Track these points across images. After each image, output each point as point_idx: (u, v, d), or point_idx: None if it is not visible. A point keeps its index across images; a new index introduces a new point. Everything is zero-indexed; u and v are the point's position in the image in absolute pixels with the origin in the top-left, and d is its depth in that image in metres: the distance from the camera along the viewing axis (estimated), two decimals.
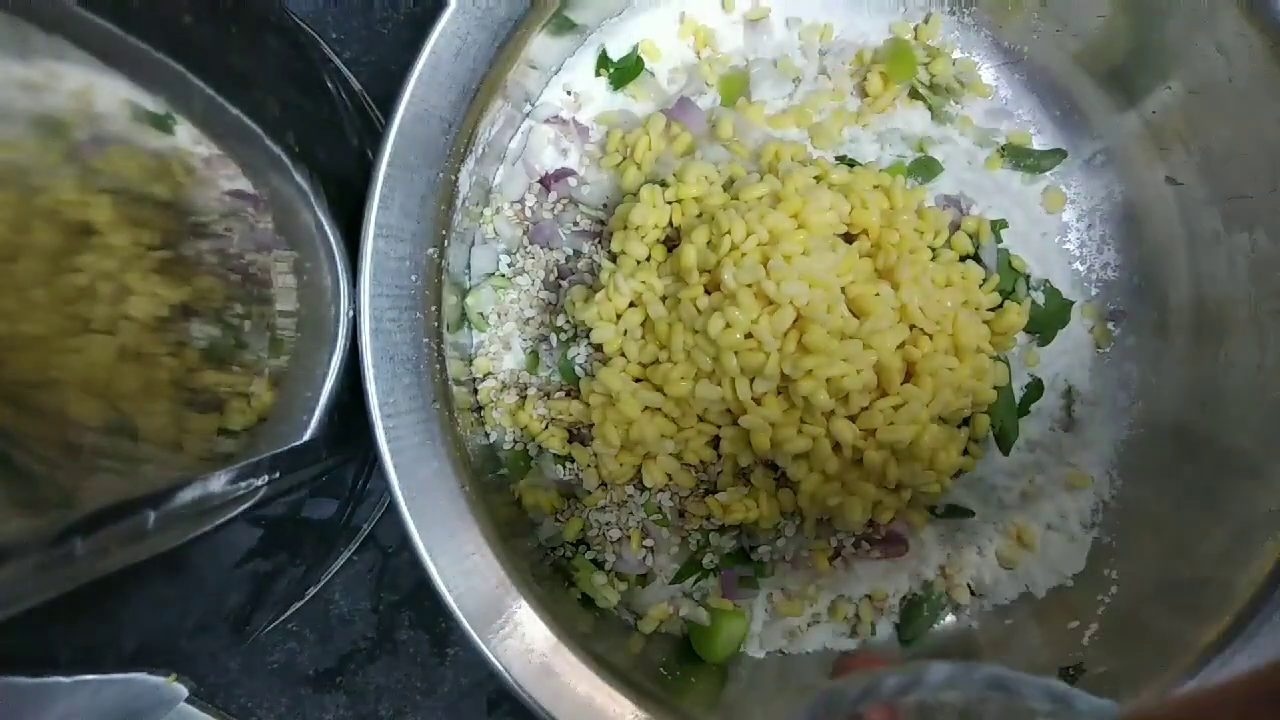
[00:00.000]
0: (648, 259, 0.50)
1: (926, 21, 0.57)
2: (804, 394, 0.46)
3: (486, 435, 0.55)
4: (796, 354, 0.47)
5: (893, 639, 0.57)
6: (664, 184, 0.51)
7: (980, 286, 0.53)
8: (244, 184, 0.41)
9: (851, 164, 0.55)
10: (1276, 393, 0.49)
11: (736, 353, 0.46)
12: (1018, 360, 0.56)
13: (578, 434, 0.53)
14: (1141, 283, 0.57)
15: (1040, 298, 0.56)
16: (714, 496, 0.52)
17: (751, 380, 0.47)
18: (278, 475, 0.44)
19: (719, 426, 0.50)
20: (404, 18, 0.65)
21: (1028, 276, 0.56)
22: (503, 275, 0.55)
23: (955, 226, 0.54)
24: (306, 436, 0.46)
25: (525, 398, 0.54)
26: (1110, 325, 0.57)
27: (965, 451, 0.53)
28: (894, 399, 0.48)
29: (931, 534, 0.56)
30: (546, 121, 0.55)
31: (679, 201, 0.50)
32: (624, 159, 0.54)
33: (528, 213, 0.55)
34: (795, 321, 0.46)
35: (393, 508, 0.44)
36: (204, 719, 0.53)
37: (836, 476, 0.49)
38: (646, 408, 0.49)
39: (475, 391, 0.55)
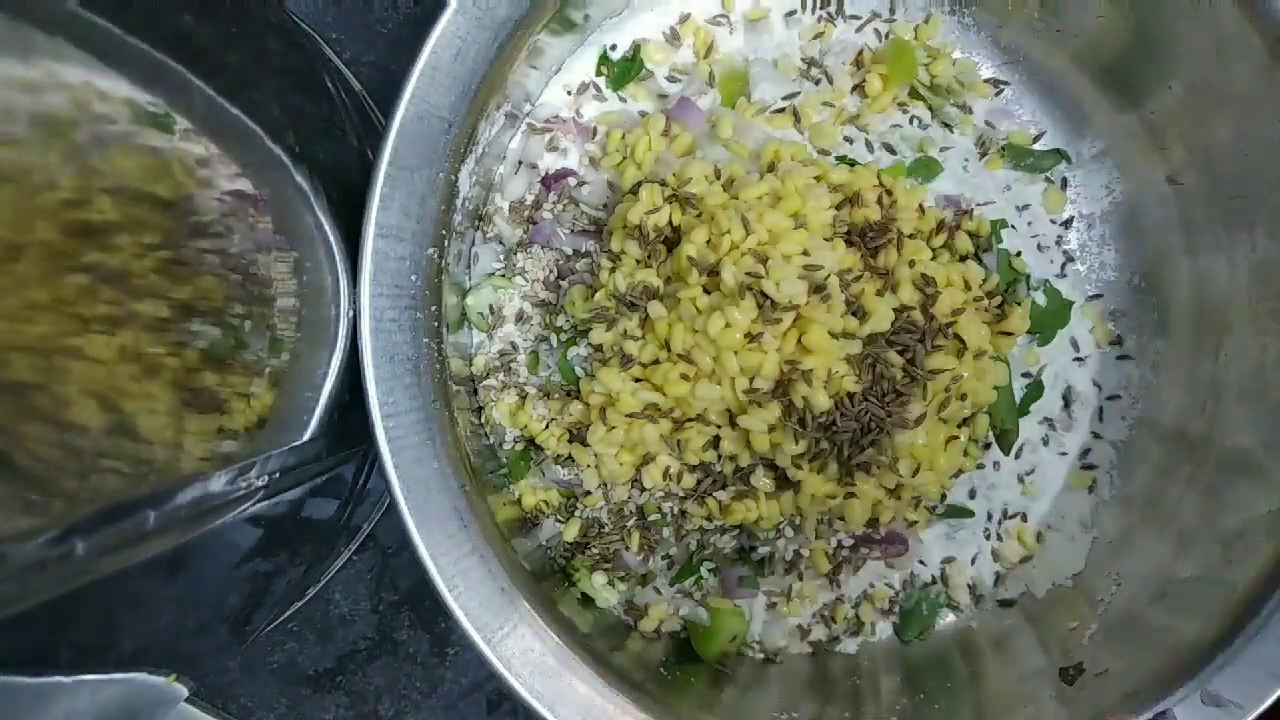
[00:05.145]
0: (648, 259, 0.50)
1: (926, 21, 0.57)
2: (803, 394, 0.46)
3: (486, 435, 0.55)
4: (796, 354, 0.47)
5: (893, 639, 0.57)
6: (664, 184, 0.51)
7: (980, 286, 0.53)
8: (244, 184, 0.41)
9: (851, 164, 0.55)
10: (1276, 393, 0.49)
11: (736, 353, 0.46)
12: (1018, 360, 0.56)
13: (578, 434, 0.53)
14: (1141, 283, 0.57)
15: (1040, 298, 0.57)
16: (714, 496, 0.52)
17: (751, 380, 0.47)
18: (278, 475, 0.44)
19: (719, 426, 0.50)
20: (404, 18, 0.65)
21: (1028, 276, 0.56)
22: (503, 275, 0.55)
23: (955, 226, 0.54)
24: (306, 436, 0.46)
25: (525, 398, 0.54)
26: (1110, 325, 0.58)
27: (965, 452, 0.53)
28: (894, 399, 0.48)
29: (931, 534, 0.56)
30: (546, 121, 0.55)
31: (679, 201, 0.50)
32: (624, 159, 0.54)
33: (527, 213, 0.55)
34: (795, 321, 0.46)
35: (393, 508, 0.44)
36: (204, 719, 0.53)
37: (836, 477, 0.49)
38: (646, 407, 0.49)
39: (475, 391, 0.55)
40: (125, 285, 0.34)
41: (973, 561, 0.57)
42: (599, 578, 0.54)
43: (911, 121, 0.57)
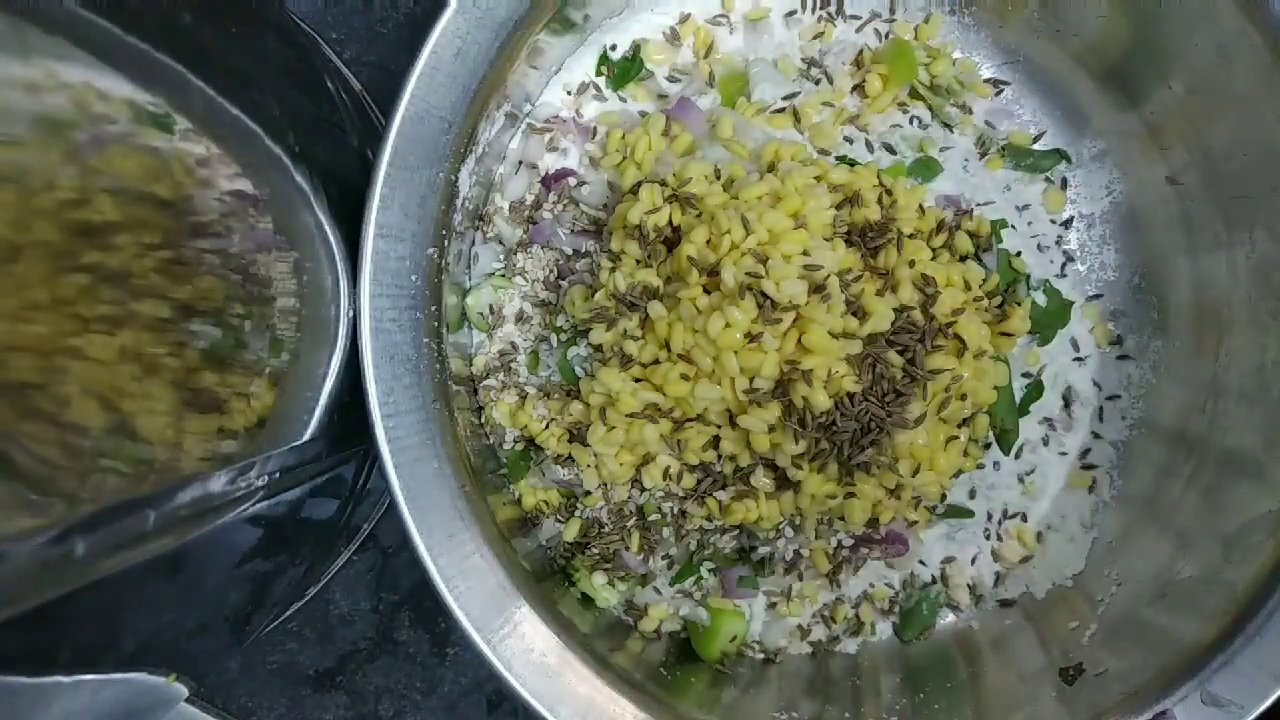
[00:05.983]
0: (648, 259, 0.50)
1: (926, 21, 0.57)
2: (803, 394, 0.46)
3: (486, 435, 0.55)
4: (796, 354, 0.47)
5: (893, 639, 0.57)
6: (664, 184, 0.51)
7: (980, 286, 0.53)
8: (244, 184, 0.41)
9: (851, 164, 0.55)
10: (1276, 393, 0.49)
11: (736, 353, 0.46)
12: (1018, 360, 0.56)
13: (578, 434, 0.53)
14: (1141, 283, 0.57)
15: (1040, 298, 0.57)
16: (714, 496, 0.52)
17: (751, 380, 0.47)
18: (278, 475, 0.44)
19: (719, 426, 0.50)
20: (404, 18, 0.65)
21: (1028, 276, 0.56)
22: (503, 275, 0.55)
23: (955, 226, 0.54)
24: (306, 436, 0.46)
25: (525, 398, 0.54)
26: (1110, 325, 0.58)
27: (965, 452, 0.53)
28: (894, 399, 0.48)
29: (931, 534, 0.56)
30: (546, 121, 0.55)
31: (679, 201, 0.50)
32: (624, 159, 0.54)
33: (527, 213, 0.55)
34: (795, 321, 0.46)
35: (393, 508, 0.44)
36: (204, 719, 0.53)
37: (836, 477, 0.49)
38: (646, 407, 0.49)
39: (475, 391, 0.55)
40: (125, 285, 0.34)
41: (973, 561, 0.57)
42: (599, 578, 0.54)
43: (911, 121, 0.57)
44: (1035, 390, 0.57)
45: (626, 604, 0.56)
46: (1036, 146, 0.57)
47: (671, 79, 0.57)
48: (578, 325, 0.53)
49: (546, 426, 0.53)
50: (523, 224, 0.55)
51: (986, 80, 0.57)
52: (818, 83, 0.57)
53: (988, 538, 0.57)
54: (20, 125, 0.29)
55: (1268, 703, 0.45)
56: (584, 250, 0.54)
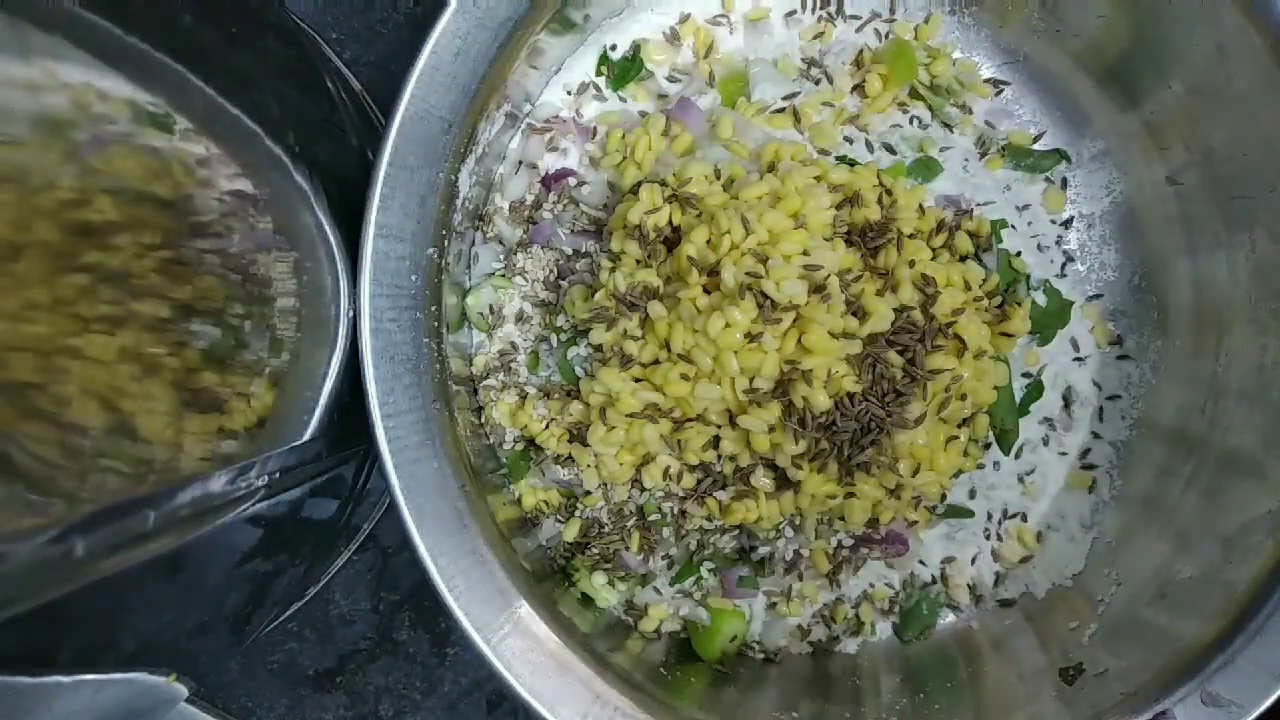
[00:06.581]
0: (648, 259, 0.50)
1: (926, 21, 0.57)
2: (803, 394, 0.46)
3: (486, 435, 0.55)
4: (796, 354, 0.47)
5: (893, 639, 0.57)
6: (664, 184, 0.51)
7: (980, 286, 0.53)
8: (244, 184, 0.41)
9: (851, 164, 0.55)
10: (1276, 392, 0.49)
11: (736, 353, 0.46)
12: (1018, 360, 0.56)
13: (578, 434, 0.53)
14: (1141, 283, 0.57)
15: (1040, 298, 0.57)
16: (714, 496, 0.52)
17: (751, 380, 0.47)
18: (278, 475, 0.44)
19: (719, 426, 0.50)
20: (404, 18, 0.65)
21: (1028, 276, 0.56)
22: (503, 275, 0.55)
23: (955, 226, 0.54)
24: (307, 436, 0.46)
25: (525, 398, 0.54)
26: (1110, 325, 0.58)
27: (965, 452, 0.53)
28: (894, 399, 0.48)
29: (931, 534, 0.56)
30: (546, 121, 0.55)
31: (679, 201, 0.50)
32: (624, 159, 0.54)
33: (527, 213, 0.55)
34: (795, 321, 0.46)
35: (393, 508, 0.44)
36: (204, 719, 0.53)
37: (836, 477, 0.49)
38: (646, 407, 0.49)
39: (475, 391, 0.55)
40: (125, 285, 0.34)
41: (973, 561, 0.57)
42: (599, 578, 0.54)
43: (911, 121, 0.57)
44: (1035, 390, 0.57)
45: (626, 604, 0.56)
46: (1036, 146, 0.57)
47: (671, 79, 0.57)
48: (578, 325, 0.53)
49: (546, 426, 0.53)
50: (523, 224, 0.55)
51: (986, 80, 0.57)
52: (818, 83, 0.57)
53: (988, 538, 0.57)
54: (20, 125, 0.29)
55: (1268, 703, 0.45)
56: (584, 250, 0.54)
